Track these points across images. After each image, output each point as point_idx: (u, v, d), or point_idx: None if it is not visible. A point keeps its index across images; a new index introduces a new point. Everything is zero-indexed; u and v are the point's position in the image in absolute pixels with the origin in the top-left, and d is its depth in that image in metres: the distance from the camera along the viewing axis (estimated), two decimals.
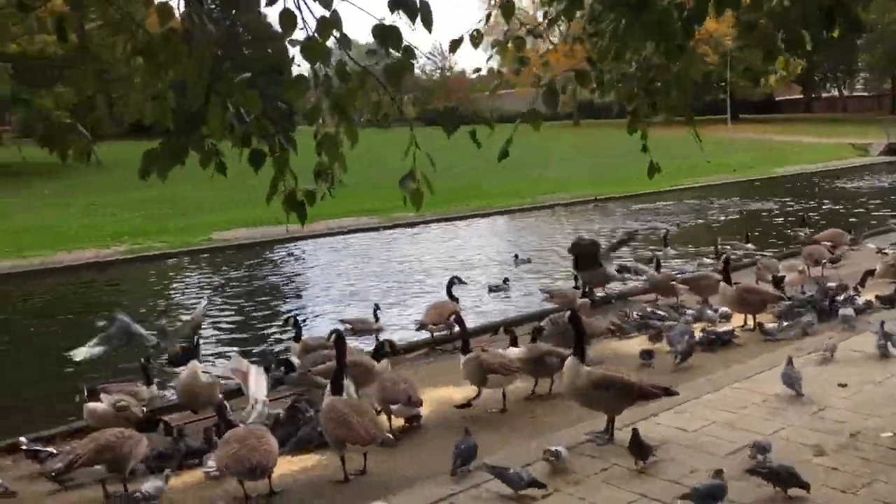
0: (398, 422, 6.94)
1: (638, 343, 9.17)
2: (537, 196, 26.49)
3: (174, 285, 16.25)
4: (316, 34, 3.31)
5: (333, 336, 6.65)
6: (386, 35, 3.19)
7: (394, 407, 6.74)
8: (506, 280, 13.76)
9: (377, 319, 11.16)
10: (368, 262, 17.42)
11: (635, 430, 5.64)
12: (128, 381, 8.02)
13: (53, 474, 5.86)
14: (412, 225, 21.28)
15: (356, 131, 3.70)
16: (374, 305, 11.45)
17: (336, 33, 3.28)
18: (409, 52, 3.32)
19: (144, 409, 7.20)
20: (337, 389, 6.10)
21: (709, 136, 48.52)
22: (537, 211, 24.91)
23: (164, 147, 3.52)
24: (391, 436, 5.91)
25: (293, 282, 16.16)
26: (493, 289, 13.39)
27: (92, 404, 7.09)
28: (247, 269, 17.42)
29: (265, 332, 12.09)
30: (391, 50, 3.20)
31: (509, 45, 5.19)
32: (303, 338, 8.81)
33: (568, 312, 6.64)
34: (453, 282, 10.76)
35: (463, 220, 22.78)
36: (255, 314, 13.20)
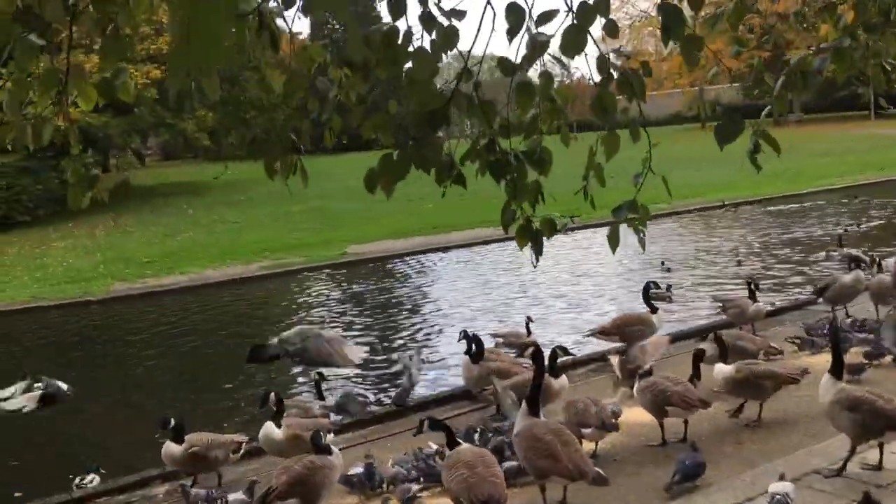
0: (587, 446, 6.46)
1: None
2: (673, 202, 25.33)
3: (306, 300, 16.42)
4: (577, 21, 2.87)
5: (531, 350, 6.22)
6: (671, 18, 2.72)
7: (585, 431, 6.26)
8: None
9: (529, 333, 10.67)
10: (507, 273, 17.03)
11: (867, 494, 4.77)
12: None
13: None
14: None
15: (617, 138, 3.22)
16: (525, 318, 10.98)
17: (601, 19, 2.84)
18: (697, 41, 2.83)
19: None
20: (534, 410, 5.63)
21: (850, 132, 45.08)
22: (671, 217, 23.83)
23: (401, 157, 3.15)
24: (601, 471, 5.33)
25: (434, 294, 15.97)
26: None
27: (170, 446, 6.51)
28: (382, 282, 17.41)
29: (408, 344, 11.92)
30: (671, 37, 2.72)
31: (726, 20, 4.64)
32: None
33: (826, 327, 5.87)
34: (649, 286, 9.51)
35: (596, 227, 22.01)
36: (393, 327, 13.08)
